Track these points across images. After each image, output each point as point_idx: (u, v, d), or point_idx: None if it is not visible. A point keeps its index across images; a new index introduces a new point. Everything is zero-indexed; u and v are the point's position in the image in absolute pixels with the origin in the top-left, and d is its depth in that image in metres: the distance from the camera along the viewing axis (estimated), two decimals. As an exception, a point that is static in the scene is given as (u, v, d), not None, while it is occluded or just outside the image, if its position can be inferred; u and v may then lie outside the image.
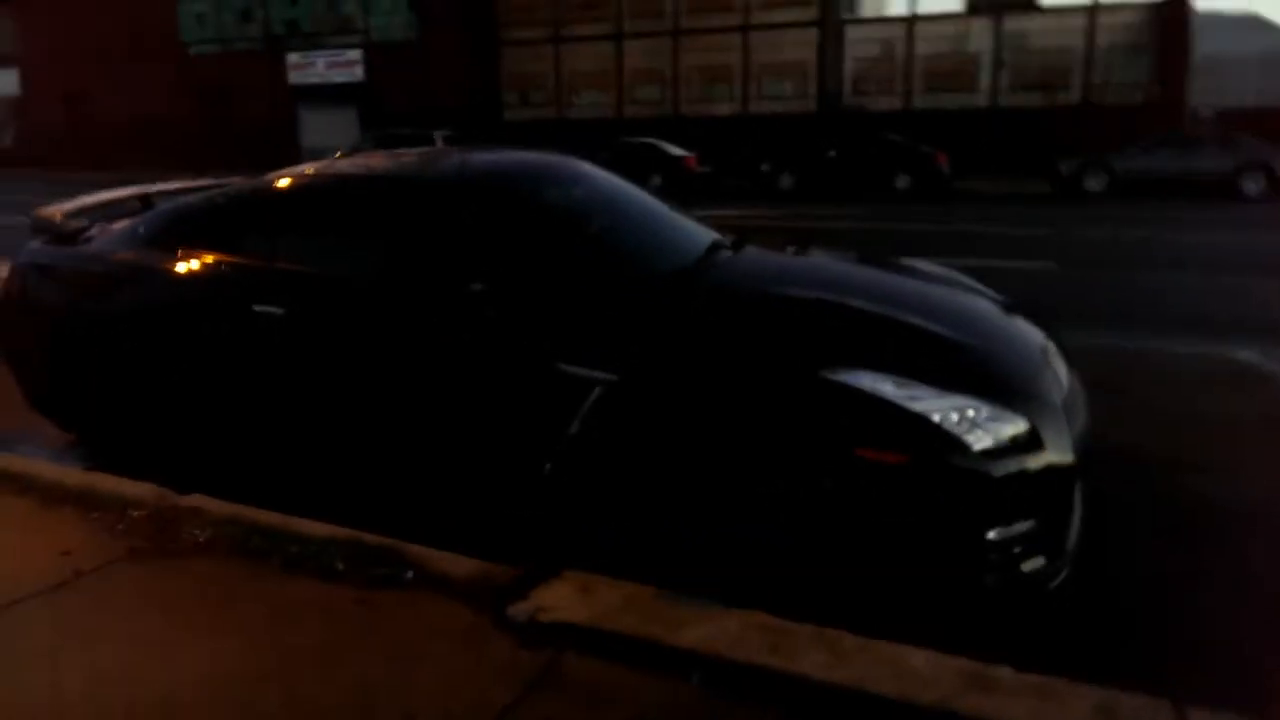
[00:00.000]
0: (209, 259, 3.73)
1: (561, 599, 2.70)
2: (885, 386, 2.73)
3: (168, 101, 33.89)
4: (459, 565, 2.94)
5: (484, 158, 4.12)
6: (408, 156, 4.22)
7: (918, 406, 2.69)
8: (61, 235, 4.25)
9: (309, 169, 3.92)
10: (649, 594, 2.73)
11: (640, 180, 20.26)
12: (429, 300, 3.19)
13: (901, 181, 21.16)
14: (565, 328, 3.08)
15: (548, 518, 3.16)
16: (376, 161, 3.95)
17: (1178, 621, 2.88)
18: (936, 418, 2.67)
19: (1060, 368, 3.25)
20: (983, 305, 3.60)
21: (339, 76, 31.33)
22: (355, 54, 31.11)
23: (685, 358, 2.94)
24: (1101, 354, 5.11)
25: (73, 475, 3.70)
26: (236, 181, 4.29)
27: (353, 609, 2.72)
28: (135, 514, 3.31)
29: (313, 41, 31.88)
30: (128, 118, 34.48)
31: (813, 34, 26.91)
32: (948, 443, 2.65)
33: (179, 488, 3.51)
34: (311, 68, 31.67)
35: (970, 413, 2.73)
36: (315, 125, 31.80)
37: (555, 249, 3.44)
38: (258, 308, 3.51)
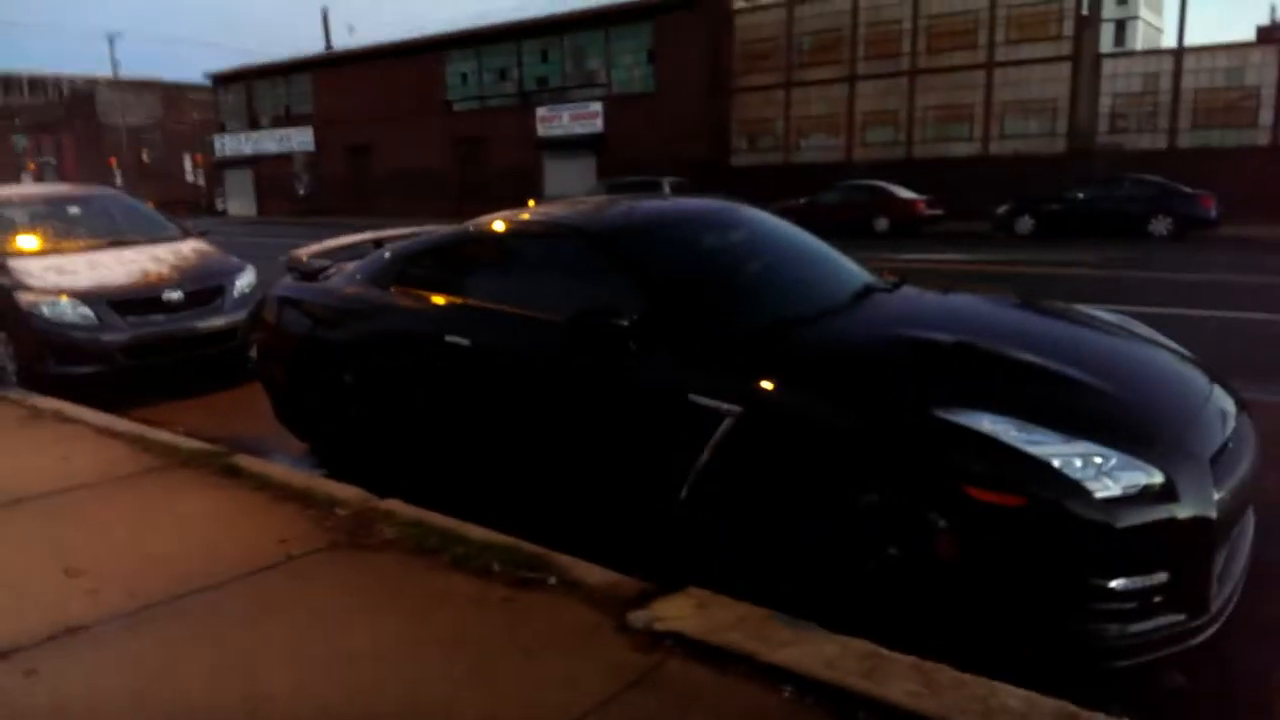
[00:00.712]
0: (412, 295, 4.32)
1: (678, 612, 2.91)
2: (1002, 428, 2.73)
3: (433, 154, 37.67)
4: (594, 575, 3.22)
5: (648, 206, 4.46)
6: (583, 205, 4.63)
7: (1036, 450, 2.67)
8: (306, 273, 5.06)
9: (496, 217, 4.44)
10: (761, 614, 2.88)
11: (865, 224, 20.35)
12: (580, 334, 3.53)
13: (1159, 225, 19.52)
14: (697, 362, 3.32)
15: (680, 539, 3.39)
16: (553, 210, 4.39)
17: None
18: (1056, 462, 2.65)
19: (1224, 422, 3.06)
20: (1141, 353, 3.45)
21: (580, 128, 33.46)
22: (597, 106, 33.11)
23: (808, 392, 3.08)
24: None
25: (298, 477, 4.38)
26: (438, 229, 4.90)
27: (498, 604, 3.07)
28: (341, 513, 3.88)
29: (559, 96, 34.33)
30: (400, 168, 38.67)
31: (1065, 69, 25.53)
32: (1067, 488, 2.61)
33: (381, 493, 4.08)
34: (557, 120, 34.06)
35: (1098, 460, 2.68)
36: (557, 173, 34.10)
37: (699, 288, 3.68)
38: (448, 338, 4.03)
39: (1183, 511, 2.66)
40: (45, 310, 6.41)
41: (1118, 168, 22.29)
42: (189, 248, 7.50)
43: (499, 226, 4.31)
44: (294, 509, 3.98)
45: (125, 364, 6.56)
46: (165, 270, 6.94)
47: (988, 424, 2.75)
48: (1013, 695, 2.40)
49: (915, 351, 3.24)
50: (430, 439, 4.33)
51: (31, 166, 59.57)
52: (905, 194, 23.39)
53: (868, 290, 3.97)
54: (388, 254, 4.69)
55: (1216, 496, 2.74)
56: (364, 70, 40.11)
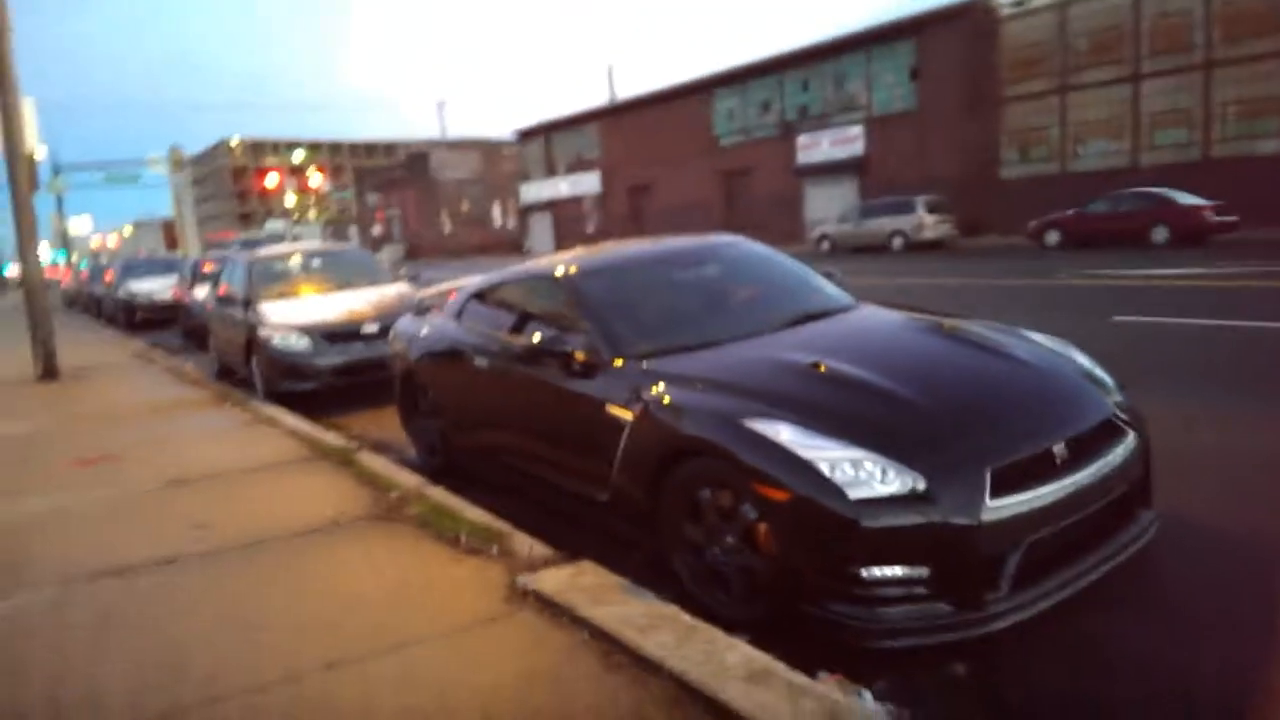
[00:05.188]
0: (465, 327, 5.40)
1: (554, 578, 3.61)
2: (790, 435, 3.17)
3: (702, 188, 39.58)
4: (529, 549, 4.01)
5: (624, 252, 5.16)
6: (579, 253, 5.36)
7: (807, 454, 3.09)
8: (420, 310, 6.33)
9: (522, 266, 5.46)
10: (613, 584, 3.52)
11: (1140, 235, 19.12)
12: (540, 357, 4.37)
13: None
14: (612, 380, 4.01)
15: (612, 524, 4.09)
16: (550, 258, 5.27)
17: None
18: (823, 465, 3.05)
19: (1048, 434, 3.22)
20: (988, 371, 3.67)
21: (840, 152, 33.58)
22: (857, 130, 33.08)
23: (663, 407, 3.67)
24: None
25: (383, 466, 5.59)
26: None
27: (445, 562, 3.98)
28: (393, 494, 5.00)
29: (819, 123, 34.70)
30: (673, 204, 41.00)
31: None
32: (826, 487, 3.01)
33: (439, 481, 5.15)
34: (817, 147, 34.45)
35: (867, 465, 3.04)
36: (817, 198, 34.45)
37: (626, 320, 4.33)
38: (473, 361, 5.06)
39: (943, 515, 2.95)
40: (278, 341, 8.35)
41: None
42: (393, 290, 9.23)
43: (514, 275, 5.36)
44: (366, 491, 5.16)
45: (333, 382, 8.32)
46: (367, 309, 8.66)
47: (784, 433, 3.20)
48: (733, 651, 2.89)
49: (770, 369, 3.69)
50: (468, 440, 5.35)
51: (380, 216, 70.30)
52: (1188, 200, 21.07)
53: (807, 317, 4.42)
54: (466, 292, 5.80)
55: (991, 503, 2.97)
56: (642, 116, 43.18)
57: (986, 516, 2.95)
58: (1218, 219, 20.61)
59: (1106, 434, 3.40)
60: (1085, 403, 3.48)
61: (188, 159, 46.73)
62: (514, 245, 55.57)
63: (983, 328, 4.13)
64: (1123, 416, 3.51)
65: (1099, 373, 3.79)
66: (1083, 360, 3.86)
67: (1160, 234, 20.92)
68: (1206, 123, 25.29)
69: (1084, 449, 3.27)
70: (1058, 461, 3.17)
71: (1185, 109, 25.69)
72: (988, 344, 3.88)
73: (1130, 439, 3.46)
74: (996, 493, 3.00)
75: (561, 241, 49.77)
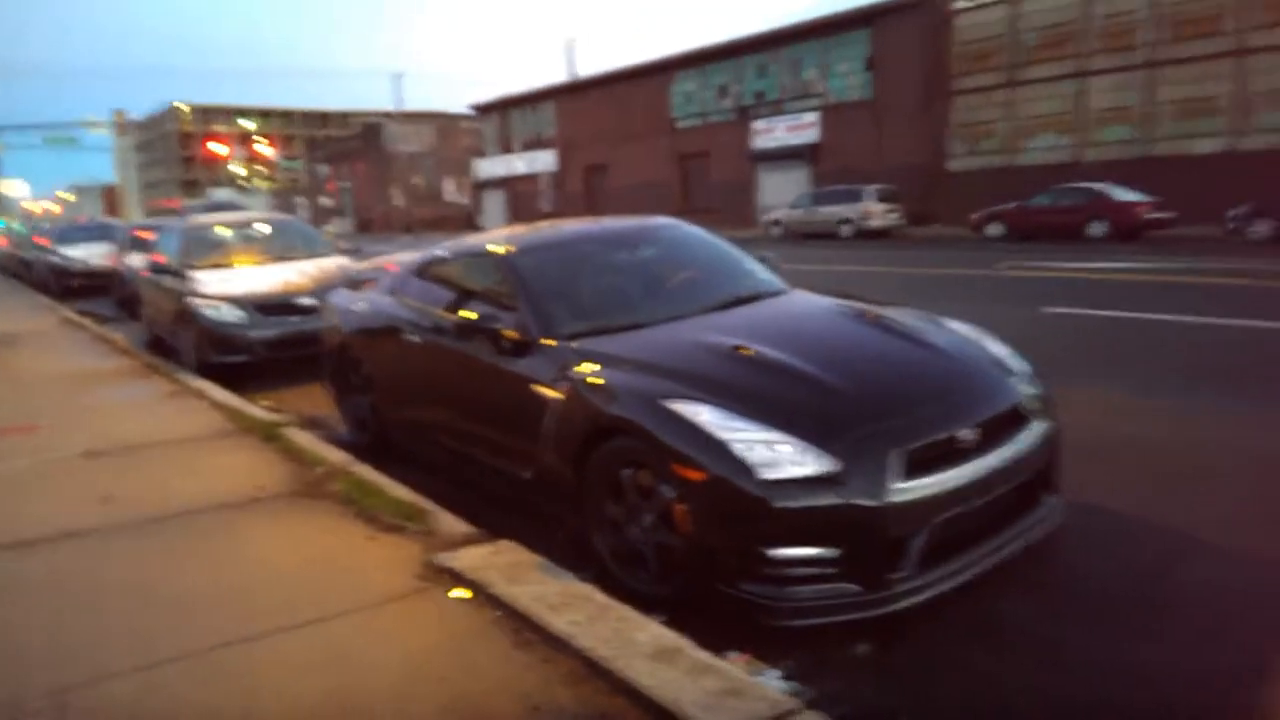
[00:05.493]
0: (400, 302, 5.32)
1: (471, 556, 3.59)
2: (708, 416, 3.18)
3: (659, 170, 39.52)
4: (450, 526, 3.99)
5: (563, 230, 5.15)
6: (517, 231, 5.35)
7: (723, 435, 3.11)
8: (354, 283, 6.23)
9: (446, 245, 5.39)
10: (531, 562, 3.52)
11: (1078, 229, 19.68)
12: (474, 334, 4.33)
13: None
14: (539, 358, 3.99)
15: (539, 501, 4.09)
16: (488, 235, 5.22)
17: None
18: (738, 447, 3.07)
19: (957, 418, 3.28)
20: (905, 357, 3.73)
21: (795, 139, 33.75)
22: (812, 116, 33.27)
23: (589, 385, 3.67)
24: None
25: (309, 442, 5.50)
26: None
27: (362, 539, 3.94)
28: (318, 470, 4.92)
29: (775, 108, 34.83)
30: (630, 185, 40.87)
31: (1334, 51, 22.39)
32: (739, 468, 3.03)
33: (367, 458, 5.08)
34: (772, 132, 34.57)
35: (781, 447, 3.07)
36: (771, 184, 34.62)
37: (557, 299, 4.31)
38: (406, 336, 4.98)
39: (853, 497, 2.99)
40: (210, 312, 8.15)
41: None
42: (333, 262, 9.06)
43: (452, 250, 5.28)
44: (290, 466, 5.08)
45: (267, 355, 8.16)
46: (304, 281, 8.49)
47: (704, 414, 3.22)
48: (642, 630, 2.90)
49: (695, 352, 3.71)
50: (399, 416, 5.30)
51: (330, 187, 68.99)
52: (1125, 196, 21.64)
53: (738, 301, 4.44)
54: (401, 267, 5.71)
55: (900, 486, 3.03)
56: (600, 95, 42.92)
57: (895, 498, 3.01)
58: (1154, 215, 21.21)
59: (1015, 420, 3.47)
60: (996, 389, 3.56)
61: (133, 123, 45.27)
62: (467, 221, 54.91)
63: (904, 315, 4.19)
64: (1032, 404, 3.59)
65: (1013, 361, 3.87)
66: (997, 348, 3.94)
67: (1098, 228, 21.45)
68: (1148, 120, 25.90)
69: (993, 434, 3.34)
70: (966, 446, 3.23)
71: (1129, 107, 26.27)
72: (907, 331, 3.94)
73: (1039, 426, 3.54)
74: (905, 475, 3.05)
75: (516, 219, 49.32)
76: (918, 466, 3.09)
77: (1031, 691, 2.79)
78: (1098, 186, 22.24)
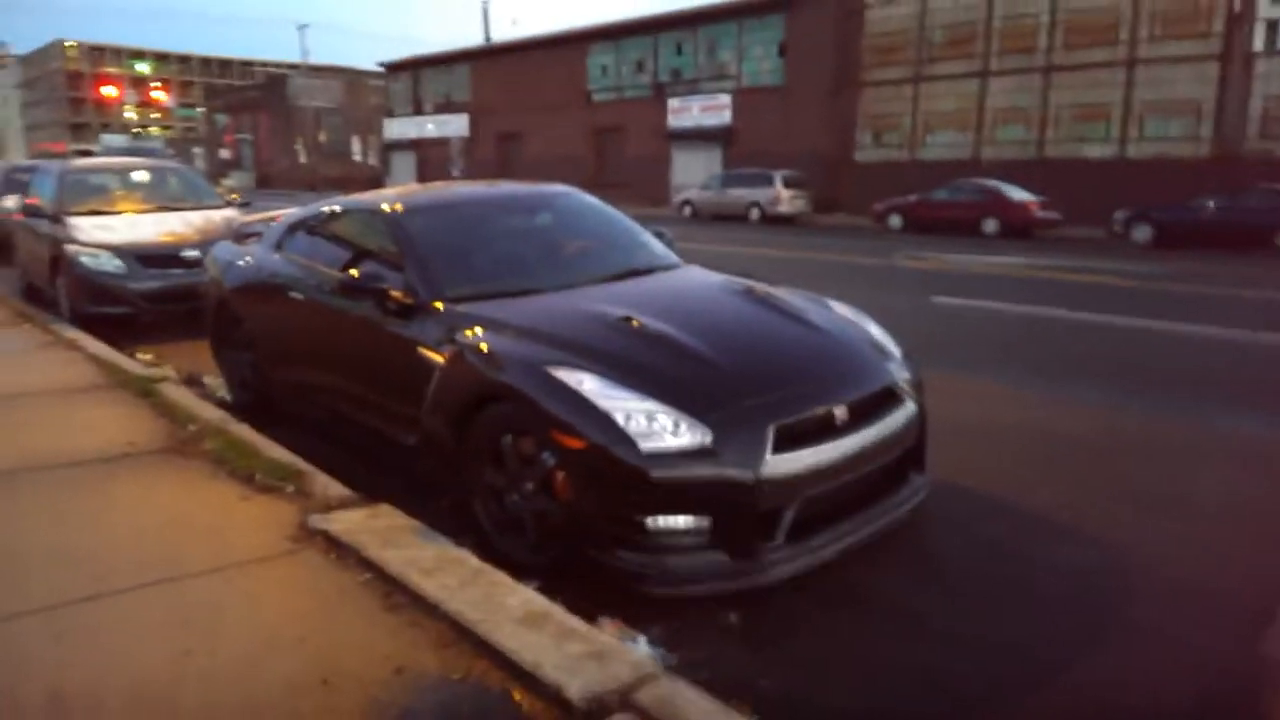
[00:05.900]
0: (286, 258, 5.15)
1: (348, 519, 3.54)
2: (590, 385, 3.20)
3: (575, 142, 39.15)
4: (326, 488, 3.91)
5: (456, 192, 5.11)
6: (408, 190, 5.28)
7: (604, 404, 3.14)
8: (238, 238, 6.01)
9: (335, 201, 5.25)
10: (409, 526, 3.49)
11: (973, 224, 20.46)
12: (359, 293, 4.23)
13: (1291, 238, 17.99)
14: (427, 321, 3.93)
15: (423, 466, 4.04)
16: (377, 193, 5.11)
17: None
18: (619, 416, 3.10)
19: (829, 394, 3.39)
20: (782, 334, 3.82)
21: (709, 120, 33.92)
22: (726, 99, 33.48)
23: (474, 350, 3.64)
24: None
25: (185, 398, 5.31)
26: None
27: (235, 499, 3.83)
28: (191, 428, 4.75)
29: (691, 87, 34.92)
30: (544, 156, 40.35)
31: (1213, 69, 23.74)
32: (618, 437, 3.06)
33: (246, 418, 4.92)
34: (687, 112, 34.66)
35: (661, 418, 3.11)
36: (683, 163, 34.74)
37: (448, 261, 4.25)
38: (289, 294, 4.83)
39: (727, 469, 3.06)
40: (87, 260, 7.73)
41: (1267, 175, 20.59)
42: (221, 215, 8.69)
43: (341, 206, 5.15)
44: (163, 423, 4.89)
45: (148, 308, 7.79)
46: (190, 232, 8.13)
47: (587, 382, 3.23)
48: (514, 594, 2.92)
49: (583, 321, 3.72)
50: (281, 375, 5.15)
51: (229, 139, 65.97)
52: (1019, 196, 22.56)
53: (630, 273, 4.47)
54: (283, 223, 5.53)
55: (771, 459, 3.11)
56: (516, 62, 42.14)
57: (766, 472, 3.09)
58: (1043, 215, 22.20)
59: (887, 400, 3.61)
60: (869, 369, 3.68)
61: (14, 57, 42.21)
62: (374, 182, 53.37)
63: (789, 295, 4.29)
64: (904, 386, 3.73)
65: (888, 343, 4.01)
66: (875, 331, 4.07)
67: (991, 225, 22.34)
68: (1043, 123, 27.01)
69: (864, 413, 3.46)
70: (838, 423, 3.34)
71: (1025, 108, 27.31)
72: (789, 309, 4.03)
73: (908, 406, 3.69)
74: (777, 449, 3.14)
75: (424, 182, 48.23)
76: (792, 441, 3.18)
77: (893, 659, 2.92)
78: (992, 184, 23.11)
